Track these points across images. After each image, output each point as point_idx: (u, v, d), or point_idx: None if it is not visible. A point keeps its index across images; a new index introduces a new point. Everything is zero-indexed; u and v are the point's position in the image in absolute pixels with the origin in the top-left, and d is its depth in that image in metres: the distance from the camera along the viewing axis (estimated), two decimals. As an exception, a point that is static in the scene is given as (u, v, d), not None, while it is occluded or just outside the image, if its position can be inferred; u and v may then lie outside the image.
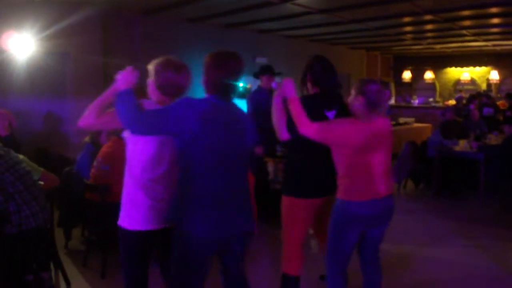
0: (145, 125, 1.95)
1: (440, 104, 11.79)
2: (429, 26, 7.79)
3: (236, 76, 2.07)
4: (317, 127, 2.42)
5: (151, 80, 2.24)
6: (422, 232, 4.77)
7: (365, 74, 11.83)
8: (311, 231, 3.19)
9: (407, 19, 7.14)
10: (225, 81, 2.04)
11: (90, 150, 4.07)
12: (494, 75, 11.63)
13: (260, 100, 4.96)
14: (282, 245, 2.91)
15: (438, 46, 10.62)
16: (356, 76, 10.77)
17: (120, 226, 2.25)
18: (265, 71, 5.11)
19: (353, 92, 2.49)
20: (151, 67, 2.23)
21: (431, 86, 12.91)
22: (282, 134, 2.61)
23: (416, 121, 10.23)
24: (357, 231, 2.58)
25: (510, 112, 8.61)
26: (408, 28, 8.22)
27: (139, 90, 2.17)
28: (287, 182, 2.90)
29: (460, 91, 11.86)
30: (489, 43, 9.79)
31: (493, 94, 11.18)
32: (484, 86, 11.95)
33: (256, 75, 5.19)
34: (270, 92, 5.00)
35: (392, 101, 12.51)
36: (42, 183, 2.85)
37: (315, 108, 2.56)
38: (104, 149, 3.71)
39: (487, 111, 8.53)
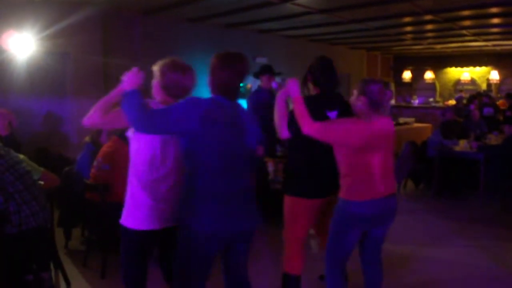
0: (151, 124, 1.96)
1: (440, 104, 11.79)
2: (429, 26, 7.79)
3: (242, 77, 2.10)
4: (319, 127, 2.43)
5: (156, 80, 2.26)
6: (422, 232, 4.77)
7: (365, 74, 11.83)
8: (312, 231, 3.19)
9: (407, 19, 7.14)
10: (231, 82, 2.06)
11: (90, 150, 4.06)
12: (494, 75, 11.63)
13: (260, 100, 4.96)
14: (284, 244, 2.92)
15: (438, 46, 10.62)
16: (356, 76, 10.77)
17: (122, 225, 2.26)
18: (265, 71, 5.11)
19: (355, 92, 2.50)
20: (156, 68, 2.25)
21: (431, 86, 12.91)
22: (283, 132, 2.64)
23: (416, 121, 10.23)
24: (359, 231, 2.58)
25: (510, 112, 8.61)
26: (408, 28, 8.22)
27: (143, 90, 2.19)
28: (289, 182, 2.90)
29: (460, 91, 11.86)
30: (489, 43, 9.79)
31: (493, 94, 11.19)
32: (484, 86, 11.95)
33: (256, 75, 5.20)
34: (270, 92, 5.01)
35: (392, 101, 12.51)
36: (42, 182, 2.86)
37: (316, 109, 2.56)
38: (104, 148, 3.71)
39: (488, 111, 8.53)
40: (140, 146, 2.20)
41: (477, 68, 12.13)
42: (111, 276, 3.44)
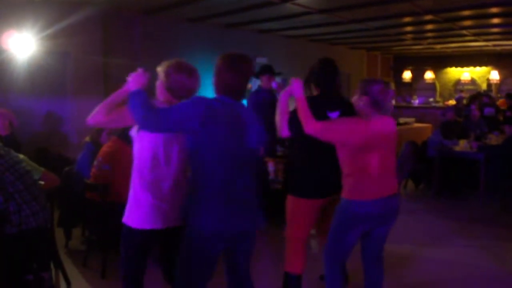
0: (156, 122, 1.98)
1: (440, 104, 11.79)
2: (429, 26, 7.79)
3: (247, 78, 2.13)
4: (321, 126, 2.46)
5: (160, 81, 2.28)
6: (422, 232, 4.78)
7: (365, 74, 11.83)
8: (313, 231, 3.20)
9: (407, 19, 7.14)
10: (236, 83, 2.08)
11: (90, 150, 4.07)
12: (495, 75, 11.63)
13: (260, 99, 4.96)
14: (285, 243, 2.93)
15: (438, 46, 10.62)
16: (356, 76, 10.76)
17: (124, 223, 2.27)
18: (265, 71, 5.11)
19: (357, 92, 2.52)
20: (160, 69, 2.27)
21: (431, 86, 12.91)
22: (283, 131, 2.68)
23: (416, 121, 10.22)
24: (360, 230, 2.58)
25: (510, 112, 8.61)
26: (408, 28, 8.22)
27: (147, 91, 2.20)
28: (292, 182, 2.92)
29: (461, 91, 11.85)
30: (489, 43, 9.79)
31: (493, 94, 11.18)
32: (484, 86, 11.95)
33: (256, 75, 5.20)
34: (270, 92, 5.01)
35: (393, 101, 12.50)
36: (42, 182, 2.85)
37: (317, 109, 2.58)
38: (104, 148, 3.71)
39: (488, 111, 8.52)
40: (143, 145, 2.22)
41: (477, 68, 12.13)
42: (111, 276, 3.44)
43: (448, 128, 6.56)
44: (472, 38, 8.92)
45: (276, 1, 5.66)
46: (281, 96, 2.70)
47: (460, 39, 9.13)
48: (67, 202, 4.05)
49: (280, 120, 2.68)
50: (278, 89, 4.75)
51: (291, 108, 2.73)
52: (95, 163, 3.68)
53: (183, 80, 2.23)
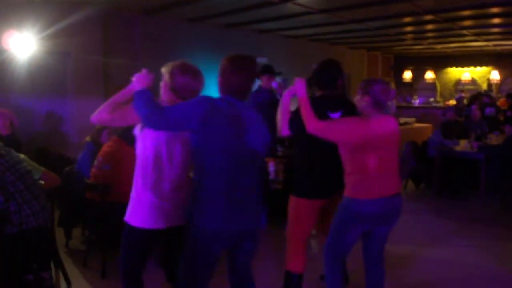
0: (161, 120, 2.00)
1: (441, 104, 11.80)
2: (429, 26, 7.78)
3: (252, 79, 2.16)
4: (323, 125, 2.49)
5: (164, 82, 2.31)
6: (422, 232, 4.77)
7: (365, 74, 11.83)
8: (313, 231, 3.21)
9: (407, 19, 7.14)
10: (241, 84, 2.11)
11: (90, 150, 4.07)
12: (495, 75, 11.63)
13: (260, 99, 4.95)
14: (287, 242, 2.94)
15: (438, 46, 10.62)
16: (356, 76, 10.76)
17: (126, 222, 2.29)
18: (265, 71, 5.11)
19: (359, 92, 2.54)
20: (165, 69, 2.31)
21: (432, 86, 12.91)
22: (283, 129, 2.71)
23: (417, 121, 10.23)
24: (361, 229, 2.59)
25: (510, 112, 8.60)
26: (409, 28, 8.22)
27: (151, 91, 2.21)
28: (294, 182, 2.93)
29: (461, 91, 11.85)
30: (490, 43, 9.79)
31: (493, 94, 11.18)
32: (484, 86, 11.94)
33: (257, 75, 5.19)
34: (270, 92, 5.00)
35: (394, 102, 12.50)
36: (43, 182, 2.86)
37: (318, 110, 2.60)
38: (104, 148, 3.71)
39: (489, 111, 8.51)
40: (145, 144, 2.24)
41: (478, 68, 12.13)
42: (111, 275, 3.44)
43: (448, 128, 6.56)
44: (473, 38, 8.92)
45: (276, 1, 5.66)
46: (284, 95, 2.73)
47: (461, 39, 9.13)
48: (67, 202, 4.05)
49: (281, 119, 2.71)
50: (278, 89, 4.75)
51: (293, 107, 2.74)
52: (96, 163, 3.68)
53: (188, 81, 2.26)
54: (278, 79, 5.38)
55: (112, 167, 3.54)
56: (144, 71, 2.18)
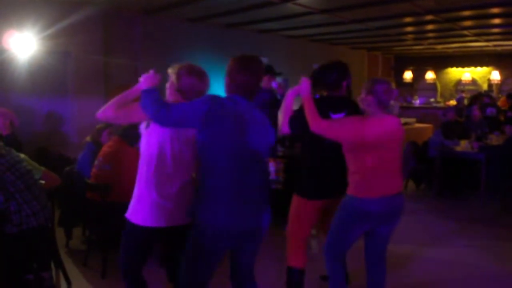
0: (167, 116, 2.02)
1: (441, 104, 11.78)
2: (430, 27, 7.78)
3: (259, 78, 2.18)
4: (326, 124, 2.53)
5: (171, 82, 2.35)
6: (422, 232, 4.77)
7: (366, 74, 11.83)
8: (314, 232, 3.22)
9: (408, 19, 7.13)
10: (248, 84, 2.13)
11: (91, 150, 4.07)
12: (495, 76, 11.62)
13: (260, 99, 4.95)
14: (287, 239, 2.95)
15: (439, 47, 10.61)
16: (356, 76, 10.71)
17: (127, 218, 2.30)
18: (266, 71, 5.10)
19: (362, 91, 2.56)
20: (172, 71, 2.35)
21: (432, 87, 12.90)
22: (283, 127, 2.74)
23: (417, 122, 10.22)
24: (362, 228, 2.59)
25: (511, 112, 8.59)
26: (409, 28, 8.21)
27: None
28: (298, 182, 2.95)
29: (462, 91, 11.84)
30: (490, 44, 9.78)
31: (494, 94, 11.17)
32: (485, 87, 11.94)
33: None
34: (270, 92, 5.00)
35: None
36: (43, 182, 2.86)
37: (321, 110, 2.62)
38: (105, 148, 3.71)
39: (491, 111, 8.51)
40: (150, 142, 2.26)
41: (478, 69, 12.12)
42: (112, 275, 3.44)
43: (449, 128, 6.56)
44: (473, 38, 8.91)
45: (276, 1, 5.66)
46: (287, 94, 2.77)
47: (461, 39, 9.12)
48: (67, 201, 4.05)
49: (283, 118, 2.74)
50: (278, 89, 4.74)
51: (296, 107, 2.76)
52: (96, 163, 3.68)
53: (194, 82, 2.31)
54: (278, 79, 5.38)
55: (113, 167, 3.54)
56: (151, 71, 2.22)
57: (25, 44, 5.20)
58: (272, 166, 4.68)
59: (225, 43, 7.54)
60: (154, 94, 2.07)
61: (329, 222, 2.71)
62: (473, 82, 12.22)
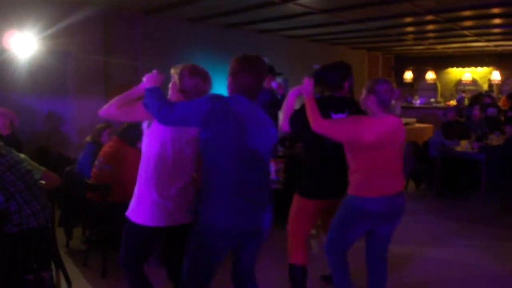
0: (170, 114, 2.03)
1: (442, 105, 11.78)
2: (430, 27, 7.77)
3: (262, 78, 2.19)
4: (327, 124, 2.54)
5: (173, 83, 2.36)
6: (422, 232, 4.77)
7: (366, 74, 11.82)
8: (313, 232, 3.22)
9: (408, 20, 7.13)
10: (251, 84, 2.14)
11: (91, 150, 4.07)
12: (496, 76, 11.61)
13: (260, 100, 4.95)
14: (288, 237, 2.96)
15: (439, 47, 10.60)
16: (357, 76, 10.70)
17: (127, 217, 2.31)
18: (266, 71, 5.10)
19: (364, 91, 2.57)
20: (174, 71, 2.36)
21: (433, 87, 12.90)
22: (283, 126, 2.77)
23: (418, 122, 10.22)
24: (362, 228, 2.60)
25: (511, 112, 8.58)
26: (410, 29, 8.21)
27: None
28: (300, 181, 2.97)
29: (462, 91, 11.84)
30: (491, 44, 9.78)
31: (494, 94, 11.16)
32: (485, 87, 11.93)
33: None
34: (270, 92, 5.00)
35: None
36: (43, 182, 2.86)
37: (322, 110, 2.63)
38: (105, 148, 3.71)
39: (492, 111, 8.50)
40: (151, 140, 2.27)
41: (479, 69, 12.11)
42: (112, 275, 3.44)
43: (449, 129, 6.55)
44: (474, 38, 8.91)
45: (277, 1, 5.66)
46: (289, 93, 2.79)
47: (462, 39, 9.12)
48: (68, 202, 4.05)
49: (284, 116, 2.76)
50: (278, 89, 4.75)
51: (297, 106, 2.78)
52: (96, 163, 3.68)
53: (197, 83, 2.32)
54: (278, 79, 5.38)
55: (113, 167, 3.54)
56: (154, 71, 2.23)
57: (26, 44, 5.20)
58: (272, 166, 4.69)
59: (225, 43, 7.54)
60: (158, 92, 2.08)
61: (330, 222, 2.72)
62: (474, 82, 12.21)
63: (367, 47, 11.51)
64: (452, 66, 12.51)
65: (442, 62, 12.58)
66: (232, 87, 2.16)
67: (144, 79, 2.22)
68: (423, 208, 5.70)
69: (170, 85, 2.38)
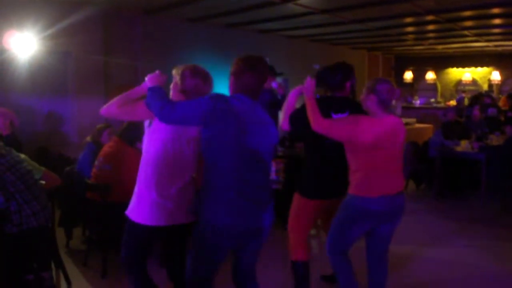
0: (172, 112, 2.03)
1: (442, 105, 11.78)
2: (430, 27, 7.78)
3: (264, 78, 2.20)
4: (328, 124, 2.55)
5: (175, 83, 2.36)
6: (422, 232, 4.77)
7: (366, 74, 11.82)
8: (313, 232, 3.23)
9: (408, 20, 7.13)
10: (254, 84, 2.15)
11: (91, 150, 4.07)
12: (496, 76, 11.61)
13: (260, 100, 4.95)
14: (289, 235, 2.97)
15: (439, 47, 10.60)
16: (357, 76, 10.68)
17: (127, 216, 2.32)
18: (267, 71, 5.09)
19: (365, 91, 2.58)
20: (176, 72, 2.36)
21: (433, 87, 12.90)
22: (284, 125, 2.79)
23: (418, 122, 10.22)
24: (363, 227, 2.60)
25: (511, 112, 8.58)
26: (410, 29, 8.21)
27: None
28: (300, 181, 2.97)
29: (462, 91, 11.84)
30: (491, 44, 9.78)
31: (494, 94, 11.16)
32: (485, 87, 11.93)
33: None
34: (271, 92, 5.00)
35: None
36: (43, 182, 2.86)
37: (323, 110, 2.63)
38: (105, 148, 3.71)
39: (492, 111, 8.50)
40: (152, 140, 2.27)
41: (479, 69, 12.11)
42: (112, 275, 3.44)
43: (449, 129, 6.55)
44: (474, 38, 8.91)
45: (277, 1, 5.66)
46: (291, 93, 2.80)
47: (462, 39, 9.12)
48: (68, 202, 4.05)
49: (284, 115, 2.78)
50: (278, 89, 4.75)
51: (298, 106, 2.79)
52: (96, 163, 3.68)
53: (198, 83, 2.32)
54: (278, 79, 5.37)
55: (113, 167, 3.54)
56: (157, 72, 2.24)
57: (26, 44, 5.20)
58: (272, 166, 4.69)
59: (225, 43, 7.54)
60: (160, 92, 2.10)
61: (330, 222, 2.72)
62: (474, 82, 12.21)
63: (367, 47, 11.51)
64: (452, 66, 12.51)
65: (442, 62, 12.58)
66: (235, 87, 2.17)
67: (146, 78, 2.23)
68: (423, 208, 5.70)
69: (171, 85, 2.39)
